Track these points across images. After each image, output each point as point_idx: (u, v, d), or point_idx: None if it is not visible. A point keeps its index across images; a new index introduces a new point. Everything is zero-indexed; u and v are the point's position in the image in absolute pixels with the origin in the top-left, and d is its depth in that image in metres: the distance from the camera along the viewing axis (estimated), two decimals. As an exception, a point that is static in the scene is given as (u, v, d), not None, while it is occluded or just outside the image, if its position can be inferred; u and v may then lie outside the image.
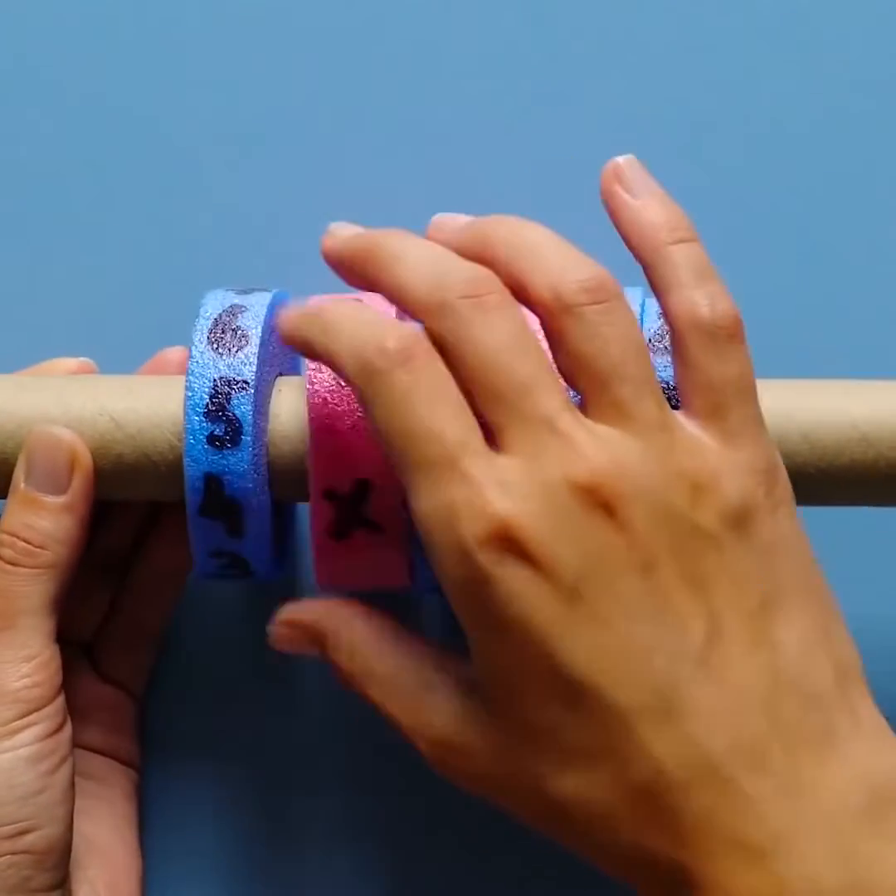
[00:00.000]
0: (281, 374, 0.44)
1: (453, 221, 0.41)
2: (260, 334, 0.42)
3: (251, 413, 0.41)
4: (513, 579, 0.36)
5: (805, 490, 0.40)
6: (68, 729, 0.43)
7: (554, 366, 0.38)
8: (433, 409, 0.36)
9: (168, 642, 0.49)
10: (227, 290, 0.44)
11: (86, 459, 0.42)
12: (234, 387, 0.41)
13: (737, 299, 0.39)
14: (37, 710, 0.42)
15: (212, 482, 0.41)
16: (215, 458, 0.41)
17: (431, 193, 0.51)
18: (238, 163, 0.51)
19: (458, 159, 0.51)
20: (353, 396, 0.41)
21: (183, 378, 0.42)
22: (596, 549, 0.36)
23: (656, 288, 0.39)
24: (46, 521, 0.42)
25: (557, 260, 0.38)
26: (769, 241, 0.51)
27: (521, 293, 0.38)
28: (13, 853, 0.41)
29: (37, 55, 0.51)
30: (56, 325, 0.50)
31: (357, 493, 0.41)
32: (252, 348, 0.41)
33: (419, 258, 0.38)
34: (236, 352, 0.41)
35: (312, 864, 0.50)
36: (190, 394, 0.41)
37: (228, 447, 0.41)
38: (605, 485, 0.36)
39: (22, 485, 0.42)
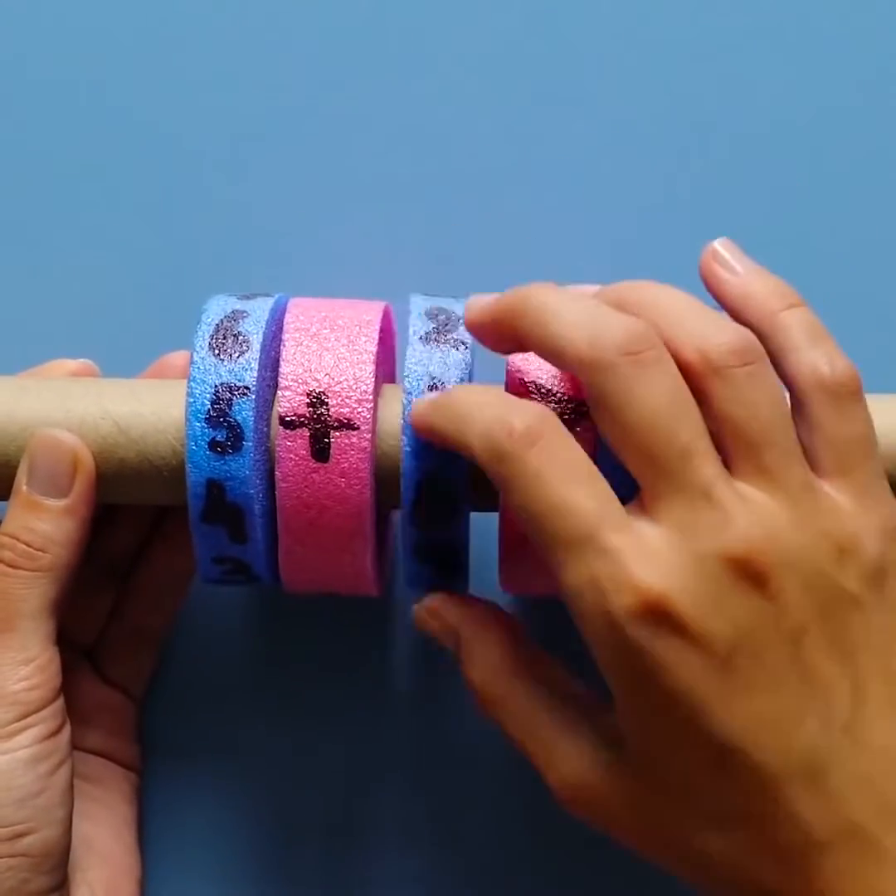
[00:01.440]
0: None
1: (583, 287, 0.41)
2: (261, 340, 0.41)
3: (252, 419, 0.41)
4: (666, 651, 0.36)
5: None
6: (67, 731, 0.43)
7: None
8: (567, 485, 0.36)
9: (169, 645, 0.49)
10: (229, 295, 0.43)
11: (88, 463, 0.42)
12: (236, 392, 0.41)
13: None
14: (35, 712, 0.42)
15: (213, 488, 0.41)
16: (217, 463, 0.41)
17: (434, 195, 0.51)
18: (241, 165, 0.51)
19: (460, 160, 0.51)
20: None
21: (186, 383, 0.42)
22: (747, 620, 0.36)
23: (773, 354, 0.39)
24: (47, 524, 0.42)
25: (701, 322, 0.38)
26: (768, 248, 0.51)
27: None
28: (11, 856, 0.41)
29: (38, 58, 0.51)
30: (58, 327, 0.50)
31: (316, 403, 0.41)
32: (253, 354, 0.41)
33: (576, 312, 0.38)
34: (237, 357, 0.41)
35: (312, 867, 0.50)
36: (191, 399, 0.41)
37: (230, 453, 0.41)
38: (758, 557, 0.36)
39: (23, 487, 0.42)
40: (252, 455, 0.41)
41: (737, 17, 0.51)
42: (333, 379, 0.41)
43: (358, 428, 0.41)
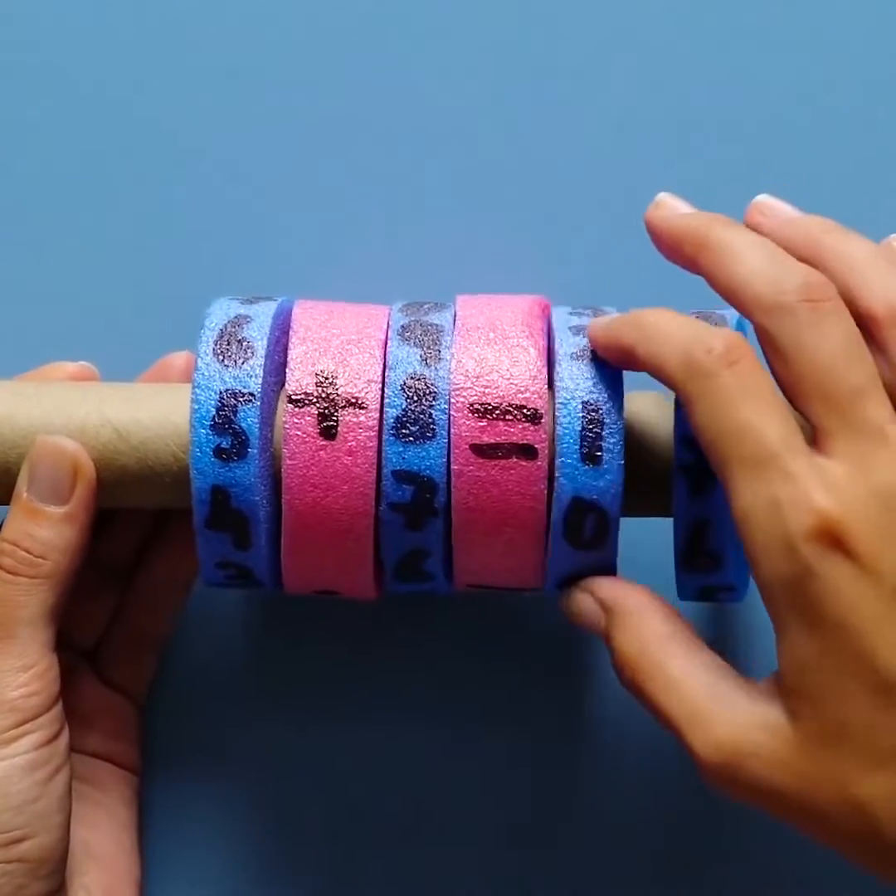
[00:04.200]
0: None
1: (778, 210, 0.42)
2: (265, 346, 0.41)
3: (257, 425, 0.40)
4: (837, 575, 0.36)
5: None
6: (65, 737, 0.43)
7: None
8: (757, 408, 0.37)
9: (170, 648, 0.49)
10: (231, 299, 0.43)
11: (89, 470, 0.42)
12: (240, 399, 0.40)
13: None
14: (33, 718, 0.42)
15: (219, 494, 0.41)
16: (222, 470, 0.40)
17: (439, 198, 0.51)
18: (241, 166, 0.51)
19: (462, 161, 0.51)
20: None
21: (186, 388, 0.42)
22: None
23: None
24: (47, 531, 0.42)
25: (892, 278, 0.39)
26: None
27: (848, 304, 0.38)
28: (7, 861, 0.41)
29: (40, 59, 0.51)
30: (57, 329, 0.50)
31: (324, 382, 0.41)
32: (258, 360, 0.41)
33: (756, 257, 0.39)
34: (242, 364, 0.41)
35: (312, 871, 0.50)
36: (196, 406, 0.40)
37: (235, 459, 0.40)
38: None
39: (24, 494, 0.42)
40: (257, 462, 0.40)
41: (737, 16, 0.51)
42: (342, 360, 0.41)
43: (366, 407, 0.41)
